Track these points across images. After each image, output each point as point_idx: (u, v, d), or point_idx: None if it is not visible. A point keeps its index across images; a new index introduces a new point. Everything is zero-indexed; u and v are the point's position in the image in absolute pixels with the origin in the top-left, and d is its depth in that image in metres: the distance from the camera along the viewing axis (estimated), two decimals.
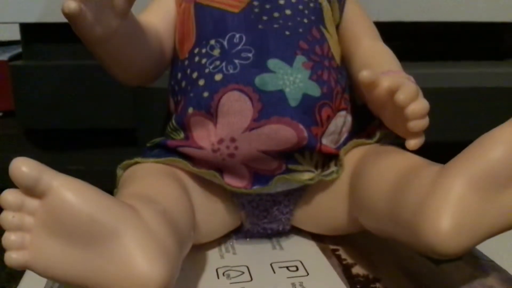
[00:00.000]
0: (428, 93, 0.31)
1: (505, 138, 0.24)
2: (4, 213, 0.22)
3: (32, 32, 0.46)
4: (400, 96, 0.29)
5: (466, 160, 0.24)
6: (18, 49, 0.57)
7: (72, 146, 0.46)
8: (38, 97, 0.45)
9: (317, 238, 0.35)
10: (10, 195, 0.22)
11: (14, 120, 0.49)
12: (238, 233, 0.36)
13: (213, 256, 0.33)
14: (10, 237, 0.22)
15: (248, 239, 0.35)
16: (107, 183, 0.30)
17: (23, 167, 0.22)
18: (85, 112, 0.45)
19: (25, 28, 0.46)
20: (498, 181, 0.24)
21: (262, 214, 0.34)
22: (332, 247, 0.34)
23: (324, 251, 0.34)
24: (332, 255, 0.33)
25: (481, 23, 0.45)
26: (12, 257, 0.22)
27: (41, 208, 0.22)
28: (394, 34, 0.39)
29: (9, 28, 0.52)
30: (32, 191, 0.22)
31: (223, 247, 0.35)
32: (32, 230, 0.22)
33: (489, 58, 0.48)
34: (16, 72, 0.45)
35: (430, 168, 0.26)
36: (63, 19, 0.42)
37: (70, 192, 0.22)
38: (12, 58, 0.54)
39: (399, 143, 0.32)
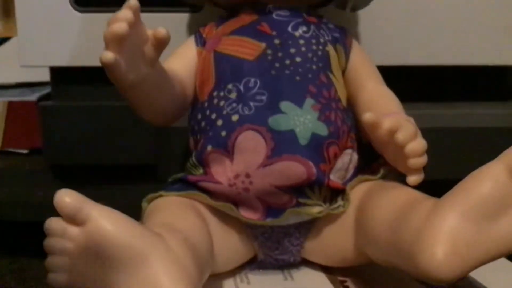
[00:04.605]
0: (429, 133, 0.33)
1: (492, 174, 0.27)
2: (48, 239, 0.25)
3: (61, 75, 0.49)
4: (400, 136, 0.31)
5: (458, 195, 0.27)
6: (45, 90, 0.61)
7: (95, 181, 0.49)
8: (65, 134, 0.48)
9: (326, 269, 0.38)
10: (54, 223, 0.25)
11: (40, 157, 0.52)
12: (252, 264, 0.38)
13: (228, 285, 0.36)
14: (52, 260, 0.25)
15: (261, 270, 0.38)
16: (129, 216, 0.33)
17: (66, 197, 0.25)
18: (108, 149, 0.48)
19: (55, 71, 0.49)
20: (487, 213, 0.26)
21: (274, 246, 0.37)
22: (340, 278, 0.37)
23: (333, 282, 0.36)
24: (340, 286, 0.36)
25: (484, 66, 0.48)
26: (54, 278, 0.25)
27: (81, 235, 0.25)
28: (397, 76, 0.41)
29: (36, 70, 0.56)
30: (73, 219, 0.25)
31: (237, 278, 0.37)
32: (72, 254, 0.25)
33: (491, 99, 0.50)
34: (45, 111, 0.48)
35: (426, 202, 0.29)
36: (90, 63, 0.46)
37: (106, 221, 0.25)
38: (40, 99, 0.57)
39: (402, 180, 0.34)
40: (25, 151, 0.57)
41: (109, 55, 0.29)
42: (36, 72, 0.58)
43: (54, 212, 0.26)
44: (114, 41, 0.29)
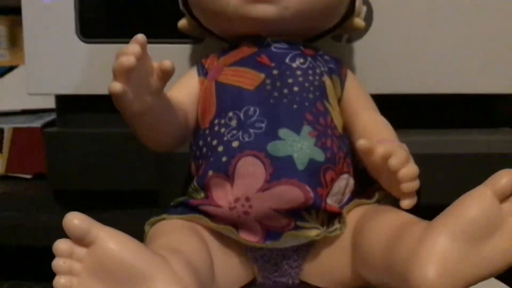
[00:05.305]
0: (421, 158, 0.35)
1: (480, 198, 0.28)
2: (56, 259, 0.27)
3: (66, 103, 0.51)
4: (393, 162, 0.33)
5: (448, 218, 0.29)
6: (49, 117, 0.62)
7: (98, 206, 0.50)
8: (69, 160, 0.49)
9: None
10: (62, 244, 0.26)
11: (44, 182, 0.53)
12: (251, 286, 0.39)
13: None
14: (60, 280, 0.26)
15: None
16: None
17: (75, 220, 0.26)
18: (111, 175, 0.49)
19: (60, 99, 0.51)
20: (475, 235, 0.28)
21: (273, 268, 0.38)
22: None
23: None
24: None
25: (474, 94, 0.49)
26: None
27: (88, 255, 0.26)
28: (390, 104, 0.43)
29: (40, 97, 0.57)
30: (81, 240, 0.26)
31: None
32: (79, 274, 0.26)
33: (481, 126, 0.52)
34: (50, 138, 0.50)
35: (418, 225, 0.30)
36: (94, 92, 0.47)
37: (113, 242, 0.26)
38: (45, 125, 0.59)
39: (396, 204, 0.36)
40: (29, 176, 0.59)
41: (117, 86, 0.31)
42: (41, 99, 0.60)
43: (57, 237, 0.27)
44: (122, 73, 0.31)
